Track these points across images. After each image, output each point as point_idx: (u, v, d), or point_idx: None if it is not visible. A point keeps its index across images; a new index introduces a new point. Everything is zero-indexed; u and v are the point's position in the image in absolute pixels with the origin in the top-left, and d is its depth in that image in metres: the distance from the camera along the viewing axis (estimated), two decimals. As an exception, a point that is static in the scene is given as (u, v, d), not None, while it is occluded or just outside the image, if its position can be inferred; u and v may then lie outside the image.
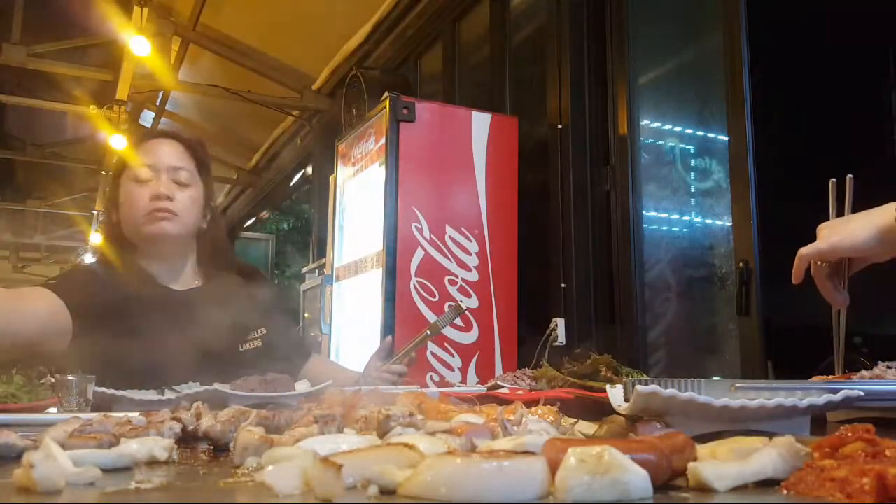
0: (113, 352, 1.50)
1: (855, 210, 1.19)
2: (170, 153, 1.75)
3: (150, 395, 1.35)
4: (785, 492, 0.52)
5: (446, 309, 3.31)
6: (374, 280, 3.39)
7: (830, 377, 1.04)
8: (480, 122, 3.49)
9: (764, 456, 0.54)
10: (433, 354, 3.22)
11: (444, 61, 4.56)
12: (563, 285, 3.25)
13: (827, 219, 1.22)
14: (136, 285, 1.66)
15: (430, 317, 3.25)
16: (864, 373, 1.00)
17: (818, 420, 0.82)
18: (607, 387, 0.91)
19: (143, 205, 1.68)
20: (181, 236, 1.73)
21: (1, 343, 1.47)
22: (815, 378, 1.04)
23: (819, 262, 1.13)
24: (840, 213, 1.21)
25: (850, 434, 0.55)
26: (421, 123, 3.43)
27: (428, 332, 1.86)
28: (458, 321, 3.32)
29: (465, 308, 2.07)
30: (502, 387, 1.34)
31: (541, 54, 3.65)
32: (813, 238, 1.19)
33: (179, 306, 1.66)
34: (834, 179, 1.21)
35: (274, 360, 1.62)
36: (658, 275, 3.16)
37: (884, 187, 1.16)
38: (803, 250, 1.15)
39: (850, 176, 1.21)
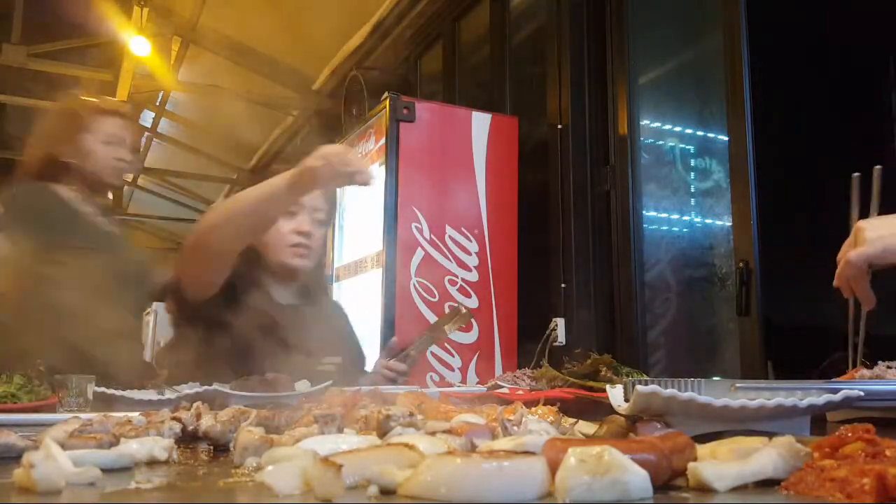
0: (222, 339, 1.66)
1: (884, 202, 1.13)
2: (314, 194, 1.89)
3: (150, 395, 1.35)
4: (785, 492, 0.52)
5: (446, 309, 3.32)
6: (374, 280, 3.39)
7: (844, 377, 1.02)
8: (480, 122, 3.49)
9: (764, 456, 0.54)
10: (433, 354, 3.22)
11: (444, 61, 4.56)
12: (563, 285, 3.25)
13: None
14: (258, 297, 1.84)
15: (430, 317, 3.25)
16: (864, 372, 1.00)
17: (818, 420, 0.82)
18: (607, 387, 0.91)
19: (288, 237, 1.86)
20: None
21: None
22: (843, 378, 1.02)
23: (864, 266, 1.06)
24: (864, 209, 1.14)
25: (850, 434, 0.55)
26: (421, 123, 3.43)
27: (429, 335, 1.89)
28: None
29: (471, 315, 2.09)
30: (502, 387, 1.34)
31: (541, 54, 3.65)
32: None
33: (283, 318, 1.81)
34: (857, 174, 1.15)
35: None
36: (658, 275, 3.16)
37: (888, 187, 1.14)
38: (852, 255, 1.06)
39: (878, 167, 1.15)
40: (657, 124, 3.38)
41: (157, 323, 9.64)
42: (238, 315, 1.70)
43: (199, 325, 1.73)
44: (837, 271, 1.08)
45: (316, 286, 1.98)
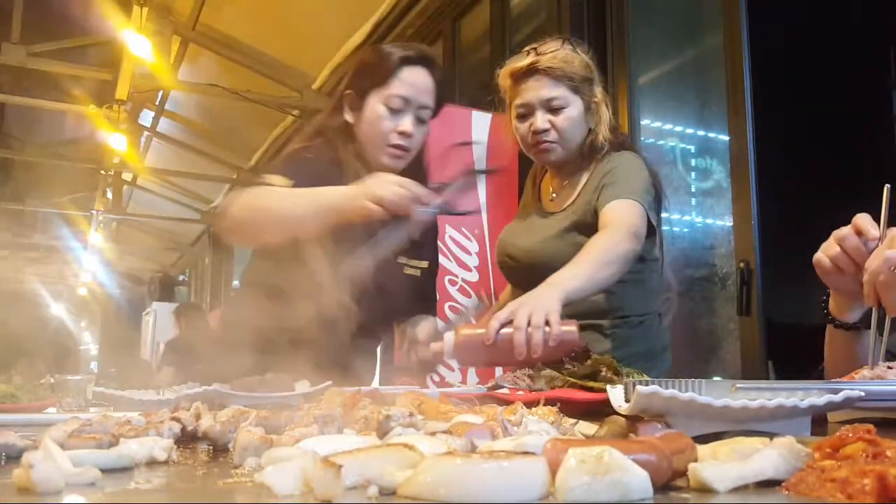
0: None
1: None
2: (423, 90, 1.77)
3: (150, 394, 1.35)
4: (785, 492, 0.52)
5: (446, 310, 3.32)
6: (373, 280, 3.39)
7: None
8: (480, 122, 3.49)
9: (764, 456, 0.54)
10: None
11: (444, 61, 4.56)
12: (562, 285, 3.24)
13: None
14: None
15: (430, 317, 3.25)
16: (864, 373, 1.00)
17: (819, 420, 0.82)
18: (608, 387, 0.91)
19: (389, 137, 1.73)
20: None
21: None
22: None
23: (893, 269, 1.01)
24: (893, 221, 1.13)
25: (850, 434, 0.55)
26: (421, 123, 3.43)
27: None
28: (458, 322, 3.32)
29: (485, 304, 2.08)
30: (502, 387, 1.34)
31: (541, 54, 3.65)
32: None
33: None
34: (888, 186, 1.14)
35: (415, 298, 1.76)
36: (658, 275, 3.16)
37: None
38: (889, 253, 1.02)
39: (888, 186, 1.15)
40: (657, 124, 3.38)
41: (156, 323, 9.66)
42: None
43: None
44: (867, 276, 1.04)
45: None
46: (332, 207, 1.53)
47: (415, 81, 1.74)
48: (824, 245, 1.16)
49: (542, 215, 1.89)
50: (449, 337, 1.43)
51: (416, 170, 1.79)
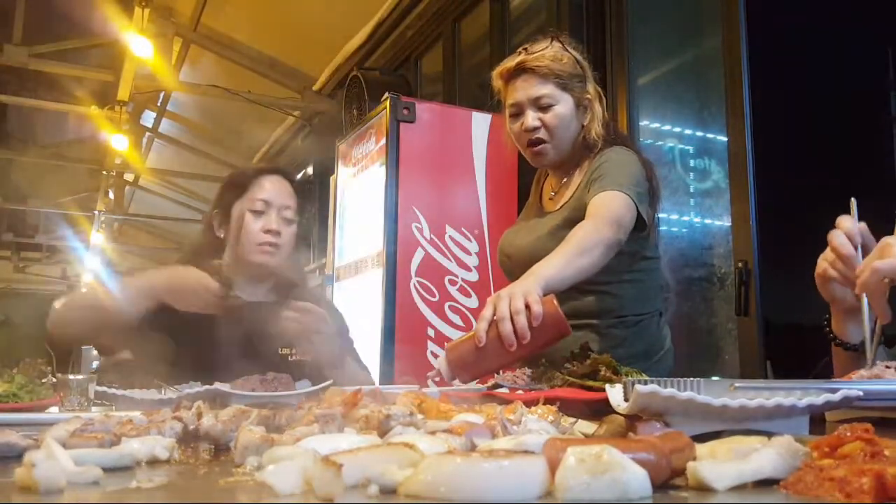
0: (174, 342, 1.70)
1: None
2: (281, 191, 1.90)
3: (151, 394, 1.35)
4: (784, 491, 0.52)
5: (446, 310, 3.32)
6: (374, 280, 3.40)
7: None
8: (481, 123, 3.49)
9: (763, 455, 0.54)
10: (433, 354, 3.22)
11: (444, 61, 4.56)
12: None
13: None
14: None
15: (431, 317, 3.25)
16: (862, 372, 1.00)
17: (817, 420, 0.83)
18: (607, 386, 0.92)
19: (257, 236, 1.85)
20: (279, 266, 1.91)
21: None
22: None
23: (886, 279, 1.01)
24: None
25: (848, 434, 0.55)
26: (421, 124, 3.43)
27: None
28: (458, 321, 3.33)
29: None
30: (502, 386, 1.34)
31: (541, 55, 3.65)
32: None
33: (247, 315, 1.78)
34: (854, 199, 1.15)
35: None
36: (658, 275, 3.16)
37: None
38: (879, 264, 1.02)
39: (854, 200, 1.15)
40: (656, 125, 3.38)
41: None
42: (184, 323, 1.68)
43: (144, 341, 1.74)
44: (861, 279, 1.05)
45: (288, 283, 1.93)
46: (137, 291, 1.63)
47: (272, 186, 1.89)
48: (822, 255, 1.16)
49: (541, 215, 1.90)
50: (441, 360, 1.41)
51: (290, 266, 1.92)
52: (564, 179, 1.88)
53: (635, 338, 1.78)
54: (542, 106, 1.78)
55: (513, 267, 1.86)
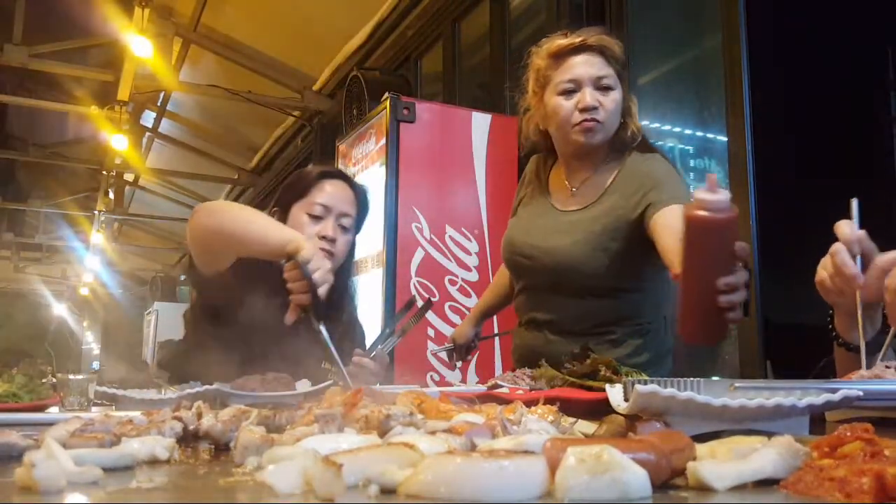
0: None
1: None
2: (342, 198, 1.83)
3: (151, 394, 1.35)
4: (784, 491, 0.52)
5: (446, 310, 3.32)
6: (374, 280, 3.40)
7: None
8: (480, 123, 3.49)
9: (763, 455, 0.54)
10: (433, 354, 3.22)
11: (444, 61, 4.56)
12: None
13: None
14: None
15: (431, 317, 3.25)
16: (862, 372, 1.00)
17: (817, 420, 0.83)
18: (607, 386, 0.92)
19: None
20: None
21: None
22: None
23: None
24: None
25: (848, 433, 0.55)
26: (421, 124, 3.43)
27: (388, 330, 1.88)
28: (458, 321, 3.32)
29: (429, 306, 2.03)
30: (502, 386, 1.34)
31: (541, 55, 3.65)
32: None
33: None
34: (856, 199, 1.15)
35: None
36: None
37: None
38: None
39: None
40: (656, 125, 3.38)
41: (158, 323, 9.66)
42: (247, 301, 1.61)
43: (210, 310, 1.71)
44: (889, 300, 1.04)
45: (335, 295, 1.84)
46: (272, 241, 1.54)
47: (333, 191, 1.83)
48: (822, 263, 1.16)
49: (560, 212, 1.83)
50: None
51: (339, 279, 1.81)
52: (589, 175, 1.81)
53: (647, 344, 1.76)
54: (601, 87, 1.72)
55: (534, 270, 1.81)
